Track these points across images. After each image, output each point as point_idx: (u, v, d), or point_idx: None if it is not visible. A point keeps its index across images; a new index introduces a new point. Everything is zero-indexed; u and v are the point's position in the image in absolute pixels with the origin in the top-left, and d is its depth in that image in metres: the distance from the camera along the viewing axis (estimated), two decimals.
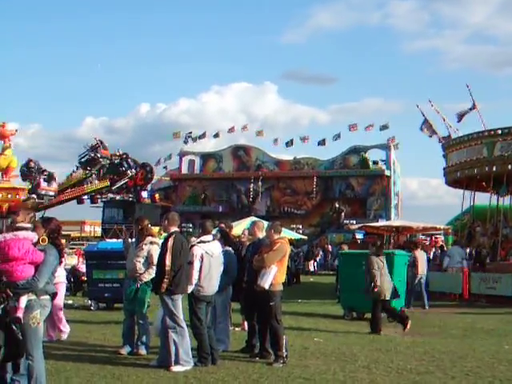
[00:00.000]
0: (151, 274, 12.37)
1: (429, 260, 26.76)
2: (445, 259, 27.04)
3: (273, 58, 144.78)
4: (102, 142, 34.94)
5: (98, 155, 34.26)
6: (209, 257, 11.44)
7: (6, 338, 8.47)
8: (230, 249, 13.21)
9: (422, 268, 22.56)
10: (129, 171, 35.96)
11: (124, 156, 36.08)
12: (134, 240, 13.88)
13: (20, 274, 8.31)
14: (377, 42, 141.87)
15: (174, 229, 11.35)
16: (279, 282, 11.76)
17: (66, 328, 14.09)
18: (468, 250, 28.21)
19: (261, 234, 12.61)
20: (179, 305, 11.07)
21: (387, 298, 15.79)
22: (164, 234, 13.65)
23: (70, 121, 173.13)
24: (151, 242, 12.66)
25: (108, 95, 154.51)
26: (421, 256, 22.87)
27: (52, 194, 33.96)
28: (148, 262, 12.48)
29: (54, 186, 34.67)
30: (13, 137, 33.80)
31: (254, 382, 10.10)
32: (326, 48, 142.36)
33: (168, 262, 10.82)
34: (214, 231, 12.53)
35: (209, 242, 11.69)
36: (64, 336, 13.89)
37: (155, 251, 12.49)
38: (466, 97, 56.00)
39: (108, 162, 35.24)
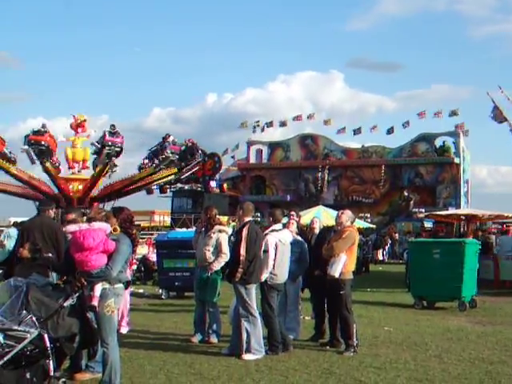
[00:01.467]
0: (221, 262, 12.47)
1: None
2: (496, 248, 26.56)
3: (338, 45, 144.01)
4: (171, 138, 35.07)
5: (168, 151, 34.36)
6: (282, 245, 11.53)
7: (81, 326, 8.65)
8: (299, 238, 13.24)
9: None
10: (196, 159, 35.99)
11: (191, 144, 36.14)
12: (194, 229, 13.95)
13: (94, 264, 8.47)
14: (444, 27, 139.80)
15: (249, 218, 11.41)
16: (349, 271, 11.76)
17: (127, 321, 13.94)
18: None
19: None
20: (253, 294, 11.14)
21: None
22: (233, 224, 13.79)
23: (138, 111, 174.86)
24: (220, 231, 12.72)
25: (175, 86, 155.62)
26: None
27: (119, 145, 34.19)
28: (217, 251, 12.57)
29: (119, 139, 34.82)
30: (87, 128, 34.22)
31: (325, 370, 10.12)
32: (392, 35, 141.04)
33: (243, 251, 10.90)
34: (284, 220, 12.56)
35: (280, 230, 11.77)
36: (125, 330, 13.67)
37: (224, 239, 12.61)
38: None
39: (177, 156, 35.31)
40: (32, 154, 33.98)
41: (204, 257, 12.61)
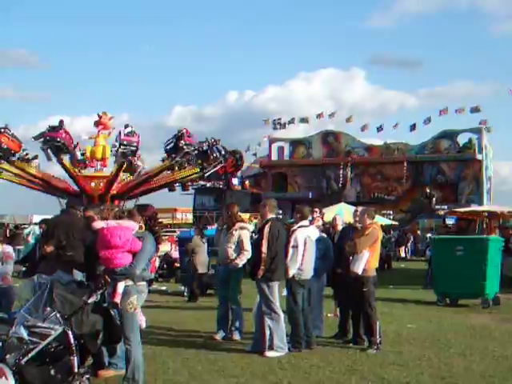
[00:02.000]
0: (243, 259, 12.50)
1: None
2: None
3: (360, 43, 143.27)
4: (186, 130, 35.00)
5: (182, 142, 34.31)
6: (310, 241, 11.56)
7: (105, 323, 8.70)
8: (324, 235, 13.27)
9: None
10: (217, 156, 35.94)
11: (214, 142, 36.11)
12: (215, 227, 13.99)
13: (119, 262, 8.51)
14: (465, 24, 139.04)
15: (271, 216, 11.41)
16: (372, 268, 11.74)
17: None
18: None
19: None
20: (275, 291, 11.15)
21: None
22: (255, 221, 13.82)
23: (160, 110, 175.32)
24: (241, 228, 12.76)
25: (196, 84, 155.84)
26: None
27: (134, 144, 34.31)
28: (239, 248, 12.59)
29: (135, 137, 34.95)
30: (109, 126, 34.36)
31: (348, 367, 10.12)
32: (413, 31, 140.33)
33: (264, 248, 10.90)
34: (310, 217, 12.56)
35: (308, 226, 11.80)
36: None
37: (246, 236, 12.65)
38: None
39: (192, 149, 35.24)
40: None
41: (226, 254, 12.64)
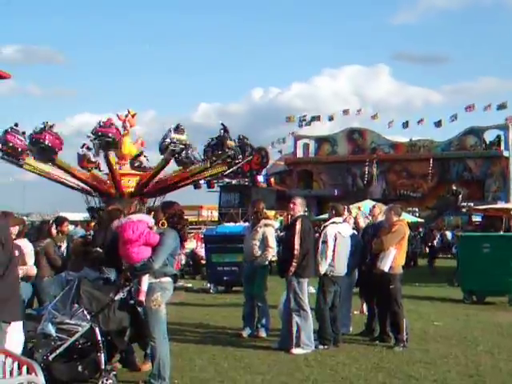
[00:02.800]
0: (268, 256, 12.51)
1: None
2: None
3: (385, 39, 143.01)
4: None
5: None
6: (341, 237, 11.56)
7: (131, 320, 8.74)
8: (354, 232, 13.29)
9: None
10: (246, 155, 35.94)
11: (244, 139, 36.11)
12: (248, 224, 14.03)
13: (136, 256, 8.49)
14: (491, 20, 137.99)
15: (301, 213, 11.39)
16: (399, 265, 11.71)
17: None
18: None
19: (380, 217, 12.55)
20: (305, 288, 11.13)
21: None
22: (280, 218, 13.86)
23: (185, 107, 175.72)
24: (266, 225, 12.77)
25: (222, 81, 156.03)
26: None
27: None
28: (264, 245, 12.60)
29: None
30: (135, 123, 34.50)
31: (375, 365, 10.09)
32: (438, 27, 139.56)
33: (297, 245, 10.87)
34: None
35: (340, 223, 11.80)
36: None
37: (270, 233, 12.68)
38: None
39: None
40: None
41: (251, 251, 12.65)
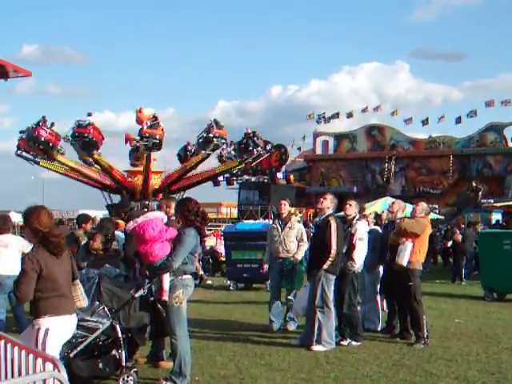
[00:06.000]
0: (303, 251, 12.60)
1: None
2: None
3: (403, 36, 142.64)
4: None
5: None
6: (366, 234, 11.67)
7: (152, 317, 8.75)
8: (378, 228, 13.31)
9: None
10: (256, 150, 35.89)
11: (251, 134, 36.07)
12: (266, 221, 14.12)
13: (158, 254, 8.49)
14: (509, 15, 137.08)
15: (332, 210, 11.34)
16: (419, 261, 11.68)
17: None
18: None
19: (400, 214, 12.52)
20: (332, 286, 11.10)
21: None
22: (300, 215, 13.92)
23: (204, 105, 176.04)
24: (298, 221, 13.05)
25: (240, 78, 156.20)
26: None
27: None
28: (298, 241, 12.83)
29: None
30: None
31: (396, 362, 10.05)
32: (457, 24, 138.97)
33: (334, 244, 10.82)
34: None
35: (361, 220, 11.88)
36: None
37: (304, 230, 13.07)
38: None
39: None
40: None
41: (287, 248, 12.78)
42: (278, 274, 12.91)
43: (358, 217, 11.80)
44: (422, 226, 11.72)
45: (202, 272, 21.66)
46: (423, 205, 12.24)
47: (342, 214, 12.17)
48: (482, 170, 60.53)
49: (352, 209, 11.71)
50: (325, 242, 10.89)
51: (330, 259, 10.83)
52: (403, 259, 11.46)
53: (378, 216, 14.42)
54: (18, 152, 34.76)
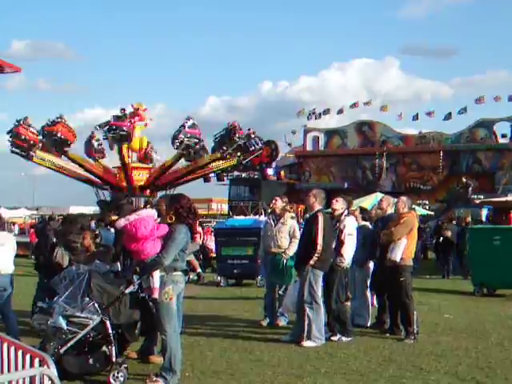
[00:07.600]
0: (295, 247, 12.57)
1: None
2: None
3: (394, 32, 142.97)
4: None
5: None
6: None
7: (142, 313, 8.75)
8: (368, 224, 13.32)
9: None
10: (253, 147, 36.01)
11: (252, 134, 36.15)
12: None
13: (149, 251, 8.53)
14: (499, 12, 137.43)
15: (320, 207, 11.32)
16: (409, 257, 11.70)
17: None
18: None
19: (390, 210, 12.54)
20: (320, 282, 11.10)
21: None
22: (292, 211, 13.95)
23: (193, 101, 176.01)
24: (292, 217, 13.21)
25: (230, 74, 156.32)
26: None
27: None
28: (291, 237, 12.86)
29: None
30: (144, 117, 34.58)
31: (386, 357, 10.07)
32: (446, 20, 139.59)
33: (320, 240, 10.83)
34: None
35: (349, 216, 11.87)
36: None
37: (297, 226, 13.06)
38: None
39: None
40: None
41: (279, 243, 12.85)
42: (271, 269, 12.95)
43: (346, 213, 11.78)
44: (408, 225, 11.71)
45: (199, 270, 21.70)
46: (403, 199, 12.16)
47: (330, 210, 12.17)
48: (472, 165, 60.62)
49: (339, 204, 11.68)
50: (312, 237, 10.93)
51: (317, 255, 10.84)
52: (397, 255, 11.47)
53: (364, 211, 14.36)
54: (12, 149, 34.85)
